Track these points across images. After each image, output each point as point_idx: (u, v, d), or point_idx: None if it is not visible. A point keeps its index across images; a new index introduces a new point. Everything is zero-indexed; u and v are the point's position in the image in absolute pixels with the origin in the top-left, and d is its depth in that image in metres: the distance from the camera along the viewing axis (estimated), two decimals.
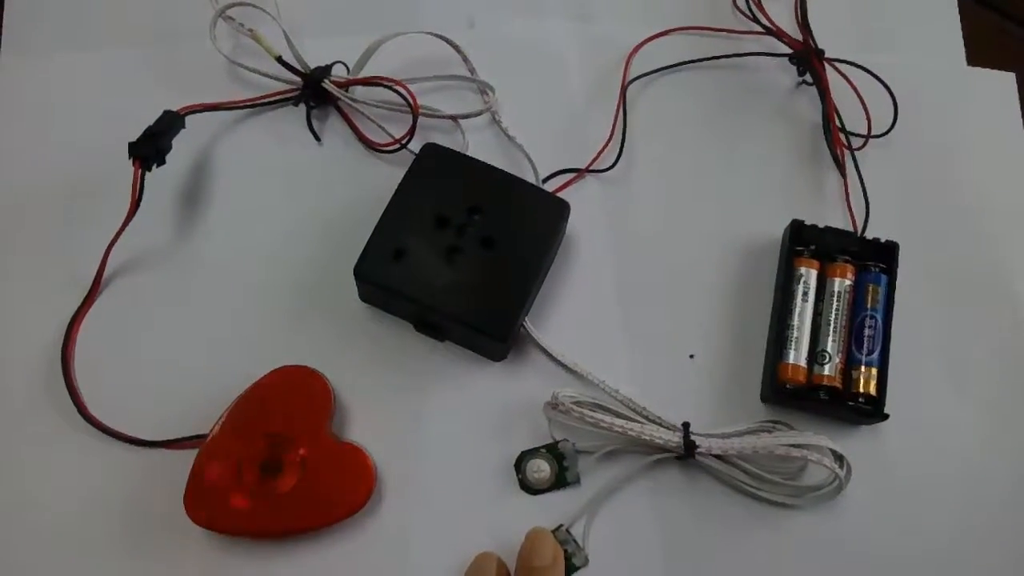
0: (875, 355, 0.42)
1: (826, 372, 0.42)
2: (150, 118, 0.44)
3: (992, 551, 0.42)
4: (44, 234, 0.46)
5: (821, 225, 0.45)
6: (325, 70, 0.48)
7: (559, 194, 0.46)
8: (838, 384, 0.42)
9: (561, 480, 0.42)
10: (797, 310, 0.43)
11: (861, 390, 0.42)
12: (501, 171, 0.45)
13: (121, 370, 0.43)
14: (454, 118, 0.49)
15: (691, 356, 0.45)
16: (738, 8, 0.52)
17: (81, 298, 0.44)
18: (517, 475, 0.42)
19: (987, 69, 0.53)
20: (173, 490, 0.39)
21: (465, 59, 0.50)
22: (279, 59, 0.48)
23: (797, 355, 0.43)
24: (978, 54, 0.53)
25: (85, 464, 0.42)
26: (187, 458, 0.40)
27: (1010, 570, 0.42)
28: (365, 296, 0.44)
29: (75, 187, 0.47)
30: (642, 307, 0.46)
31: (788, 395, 0.43)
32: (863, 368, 0.42)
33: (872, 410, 0.42)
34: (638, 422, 0.41)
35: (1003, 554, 0.42)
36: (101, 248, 0.44)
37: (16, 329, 0.44)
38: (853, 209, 0.47)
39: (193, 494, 0.39)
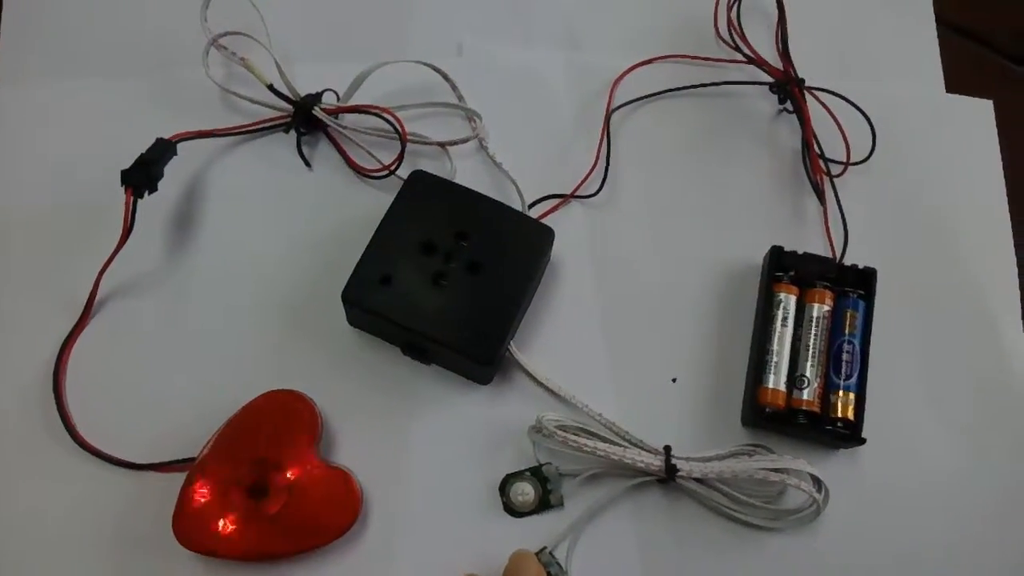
0: (853, 380, 0.43)
1: (805, 396, 0.43)
2: (143, 144, 0.45)
3: (969, 573, 0.43)
4: (37, 258, 0.47)
5: (800, 251, 0.46)
6: (315, 97, 0.49)
7: (545, 219, 0.47)
8: (816, 408, 0.43)
9: (545, 503, 0.42)
10: (776, 335, 0.44)
11: (839, 414, 0.43)
12: (487, 198, 0.46)
13: (111, 393, 0.44)
14: (442, 145, 0.50)
15: (673, 380, 0.46)
16: (721, 37, 0.53)
17: (73, 322, 0.45)
18: (501, 498, 0.43)
19: (965, 96, 0.54)
20: (161, 513, 0.40)
21: (453, 87, 0.51)
22: (270, 87, 0.48)
23: (776, 379, 0.43)
24: (956, 82, 0.54)
25: (75, 486, 0.42)
26: (175, 481, 0.41)
27: None
28: (353, 320, 0.45)
29: (68, 212, 0.48)
30: (625, 331, 0.47)
31: (768, 419, 0.43)
32: (841, 393, 0.43)
33: (850, 434, 0.43)
34: (620, 446, 0.42)
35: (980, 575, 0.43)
36: (93, 272, 0.45)
37: (8, 352, 0.45)
38: (832, 235, 0.48)
39: (181, 517, 0.40)
